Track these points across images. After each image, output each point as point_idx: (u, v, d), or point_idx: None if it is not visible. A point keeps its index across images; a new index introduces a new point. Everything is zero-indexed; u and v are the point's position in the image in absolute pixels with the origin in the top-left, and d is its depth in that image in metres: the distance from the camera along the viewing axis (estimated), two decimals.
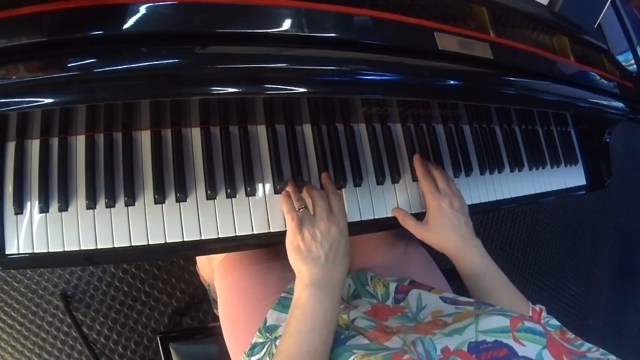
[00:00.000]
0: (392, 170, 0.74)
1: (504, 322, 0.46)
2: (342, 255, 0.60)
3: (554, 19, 0.74)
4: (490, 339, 0.45)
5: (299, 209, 0.62)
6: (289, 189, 0.65)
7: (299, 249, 0.59)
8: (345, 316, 0.64)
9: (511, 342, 0.44)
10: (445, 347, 0.45)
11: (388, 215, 0.73)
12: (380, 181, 0.73)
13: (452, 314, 0.56)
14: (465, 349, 0.44)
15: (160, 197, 0.61)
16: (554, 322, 0.60)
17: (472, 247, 0.68)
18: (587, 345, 0.52)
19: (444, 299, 0.63)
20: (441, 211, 0.69)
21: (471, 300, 0.62)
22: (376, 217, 0.72)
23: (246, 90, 0.50)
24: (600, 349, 0.50)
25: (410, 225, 0.71)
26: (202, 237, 0.62)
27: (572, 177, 1.01)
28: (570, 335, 0.56)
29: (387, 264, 0.81)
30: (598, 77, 0.80)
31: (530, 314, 0.62)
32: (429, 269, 0.84)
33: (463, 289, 0.70)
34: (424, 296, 0.66)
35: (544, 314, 0.62)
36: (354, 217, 0.70)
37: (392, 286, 0.71)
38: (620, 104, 0.82)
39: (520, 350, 0.43)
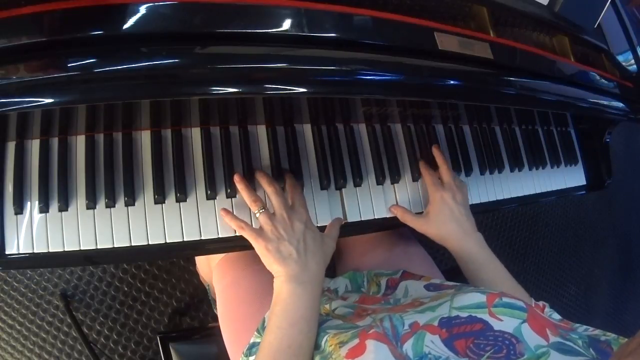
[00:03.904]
0: (392, 170, 0.74)
1: (479, 298, 0.46)
2: (313, 247, 0.59)
3: (554, 19, 0.74)
4: (463, 314, 0.44)
5: (258, 211, 0.60)
6: (241, 189, 0.62)
7: (269, 252, 0.58)
8: (327, 306, 0.64)
9: (486, 317, 0.43)
10: (415, 322, 0.45)
11: (388, 216, 0.73)
12: (380, 181, 0.73)
13: (430, 296, 0.56)
14: (435, 323, 0.44)
15: (160, 197, 0.61)
16: (556, 316, 0.59)
17: (474, 240, 0.68)
18: (585, 327, 0.52)
19: (427, 287, 0.63)
20: (443, 203, 0.70)
21: (456, 284, 0.62)
22: (376, 217, 0.72)
23: (246, 90, 0.50)
24: (598, 329, 0.50)
25: (409, 219, 0.71)
26: (202, 237, 0.62)
27: (572, 177, 1.01)
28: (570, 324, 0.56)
29: (385, 264, 0.81)
30: (598, 77, 0.80)
31: None
32: (428, 269, 0.84)
33: None
34: (410, 287, 0.66)
35: (547, 309, 0.61)
36: (354, 217, 0.70)
37: (383, 283, 0.71)
38: (620, 104, 0.82)
39: (497, 325, 0.42)
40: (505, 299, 0.45)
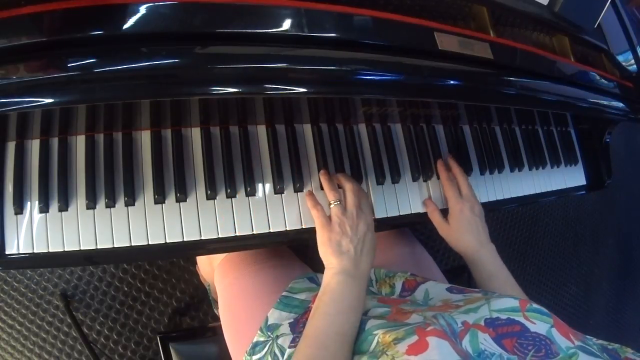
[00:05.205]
0: (392, 170, 0.74)
1: (513, 303, 0.49)
2: (369, 248, 0.63)
3: (554, 19, 0.74)
4: (503, 316, 0.47)
5: (334, 202, 0.63)
6: (323, 179, 0.67)
7: (330, 242, 0.61)
8: None
9: (522, 320, 0.47)
10: (465, 321, 0.48)
11: (388, 215, 0.73)
12: (380, 181, 0.73)
13: (461, 299, 0.59)
14: (482, 323, 0.47)
15: (160, 197, 0.61)
16: None
17: (488, 251, 0.72)
18: (590, 337, 0.53)
19: (450, 290, 0.65)
20: (462, 215, 0.73)
21: (477, 289, 0.64)
22: (376, 217, 0.72)
23: (246, 90, 0.50)
24: (600, 340, 0.52)
25: (436, 219, 0.75)
26: (202, 237, 0.62)
27: (572, 177, 1.01)
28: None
29: (387, 263, 0.81)
30: (598, 77, 0.80)
31: None
32: (430, 269, 0.84)
33: None
34: (432, 290, 0.67)
35: None
36: None
37: (399, 285, 0.71)
38: (620, 104, 0.82)
39: (532, 327, 0.46)
40: (534, 305, 0.49)
